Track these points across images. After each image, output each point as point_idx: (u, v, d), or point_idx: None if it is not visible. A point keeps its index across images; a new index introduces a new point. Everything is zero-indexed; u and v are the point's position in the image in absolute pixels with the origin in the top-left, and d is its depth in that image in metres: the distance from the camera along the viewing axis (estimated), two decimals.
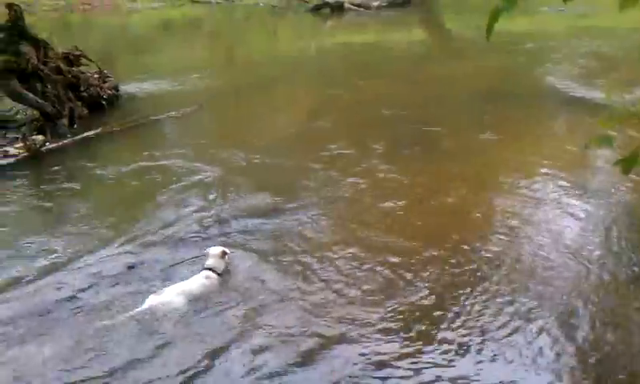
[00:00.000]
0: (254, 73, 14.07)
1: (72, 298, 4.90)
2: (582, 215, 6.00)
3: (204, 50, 18.77)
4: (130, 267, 5.40)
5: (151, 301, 4.72)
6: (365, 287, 4.89)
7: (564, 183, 6.74)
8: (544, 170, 7.11)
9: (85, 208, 6.74)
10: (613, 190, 6.46)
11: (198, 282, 4.99)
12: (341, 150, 8.16)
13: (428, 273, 5.03)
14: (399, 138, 8.59)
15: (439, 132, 8.82)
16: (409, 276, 4.99)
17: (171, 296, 4.77)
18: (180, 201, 6.76)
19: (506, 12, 2.30)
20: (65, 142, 8.88)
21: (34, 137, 8.65)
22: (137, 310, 4.63)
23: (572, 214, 6.03)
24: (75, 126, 9.56)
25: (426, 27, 22.16)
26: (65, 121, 9.50)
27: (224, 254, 5.21)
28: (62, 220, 6.49)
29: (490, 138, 8.45)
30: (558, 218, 6.00)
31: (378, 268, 5.15)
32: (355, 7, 23.57)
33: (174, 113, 10.06)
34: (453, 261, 5.21)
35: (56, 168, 7.93)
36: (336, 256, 5.39)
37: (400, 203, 6.40)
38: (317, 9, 23.75)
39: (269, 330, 4.39)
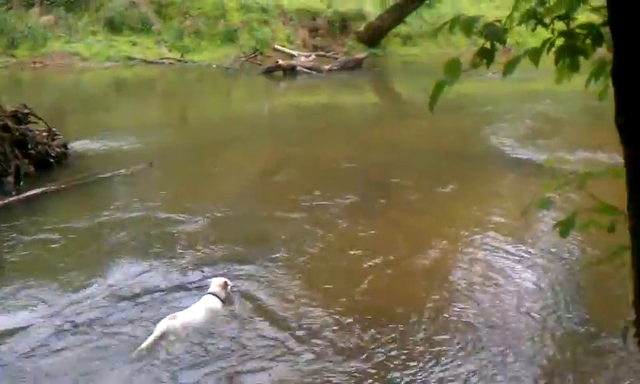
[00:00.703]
0: (207, 132, 14.13)
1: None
2: (527, 272, 6.17)
3: (156, 109, 18.81)
4: None
5: (162, 326, 5.08)
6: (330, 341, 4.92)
7: (509, 243, 6.92)
8: (490, 230, 7.31)
9: (28, 266, 6.63)
10: (555, 249, 6.64)
11: (202, 309, 5.43)
12: (298, 205, 8.27)
13: (385, 331, 5.08)
14: (357, 194, 8.78)
15: (394, 190, 9.02)
16: (364, 336, 5.03)
17: (181, 321, 5.17)
18: (128, 257, 6.73)
19: (450, 85, 2.41)
20: (10, 199, 8.73)
21: None
22: (150, 337, 4.98)
23: (516, 272, 6.20)
24: (22, 183, 9.42)
25: (376, 90, 22.70)
26: (10, 178, 9.35)
27: (226, 284, 5.68)
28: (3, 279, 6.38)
29: (439, 199, 8.64)
30: (502, 275, 6.16)
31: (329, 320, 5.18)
32: (307, 70, 23.98)
33: (123, 171, 10.00)
34: (411, 318, 5.27)
35: None
36: (299, 311, 5.42)
37: (359, 255, 6.63)
38: (269, 71, 24.08)
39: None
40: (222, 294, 5.63)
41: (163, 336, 5.05)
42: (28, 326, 5.36)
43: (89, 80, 24.20)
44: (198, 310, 5.43)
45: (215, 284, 5.68)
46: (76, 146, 11.60)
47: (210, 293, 5.61)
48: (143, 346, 4.96)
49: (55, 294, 5.98)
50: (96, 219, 7.98)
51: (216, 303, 5.57)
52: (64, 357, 4.92)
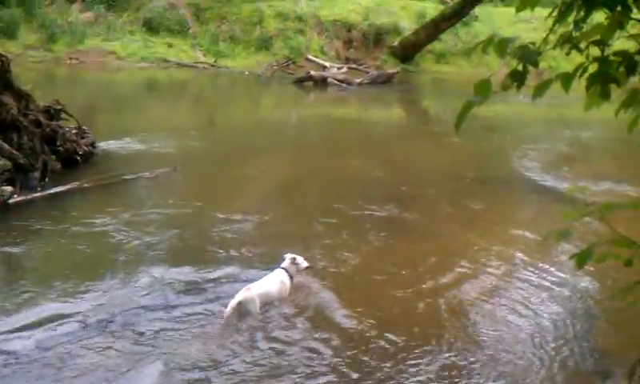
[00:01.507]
0: (234, 139, 14.14)
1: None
2: (543, 302, 6.05)
3: (186, 113, 18.90)
4: None
5: (240, 296, 5.58)
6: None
7: (527, 271, 6.79)
8: (508, 257, 7.19)
9: (45, 264, 6.67)
10: (574, 279, 6.49)
11: (276, 282, 5.96)
12: (318, 216, 8.23)
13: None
14: (378, 210, 8.72)
15: (414, 209, 8.89)
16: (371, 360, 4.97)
17: (257, 292, 5.68)
18: (145, 262, 6.73)
19: (479, 105, 2.35)
20: (34, 195, 8.79)
21: (2, 187, 8.55)
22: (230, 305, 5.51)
23: (532, 301, 6.08)
24: (47, 179, 9.49)
25: (405, 106, 22.59)
26: (37, 174, 9.42)
27: (294, 260, 6.15)
28: (19, 275, 6.43)
29: (460, 222, 8.51)
30: (518, 302, 6.04)
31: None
32: (338, 82, 23.97)
33: (147, 173, 10.03)
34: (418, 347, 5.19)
35: (21, 222, 7.85)
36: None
37: (373, 280, 6.47)
38: (301, 81, 24.11)
39: None
40: (292, 270, 6.10)
41: (240, 304, 5.53)
42: (53, 321, 5.41)
43: (122, 79, 24.47)
44: (272, 282, 5.94)
45: (288, 260, 6.14)
46: (104, 145, 11.67)
47: (281, 267, 6.10)
48: (226, 312, 5.50)
49: (76, 291, 5.99)
50: (116, 219, 8.00)
51: (286, 278, 6.03)
52: (91, 355, 4.95)
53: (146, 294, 6.01)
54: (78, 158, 10.45)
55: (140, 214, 8.28)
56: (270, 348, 5.16)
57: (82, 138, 10.88)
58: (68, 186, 9.17)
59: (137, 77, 24.77)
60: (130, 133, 13.28)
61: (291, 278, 6.08)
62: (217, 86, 24.82)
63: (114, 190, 9.40)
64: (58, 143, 10.21)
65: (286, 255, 6.21)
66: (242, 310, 5.59)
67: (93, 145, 11.12)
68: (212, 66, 26.91)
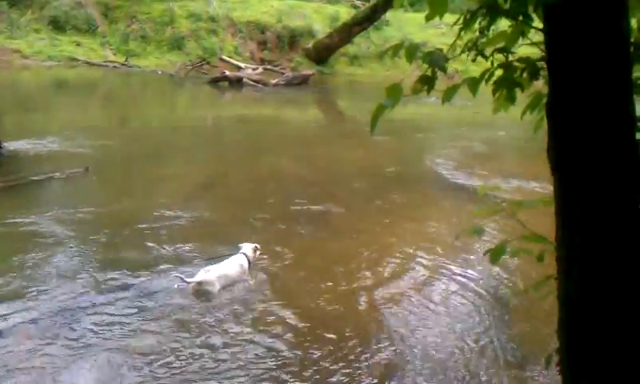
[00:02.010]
0: (149, 139, 13.90)
1: None
2: (459, 297, 6.27)
3: (97, 113, 18.41)
4: None
5: (200, 276, 5.93)
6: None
7: (442, 267, 7.02)
8: (427, 253, 7.40)
9: None
10: (489, 275, 6.77)
11: (235, 265, 6.29)
12: (231, 218, 8.23)
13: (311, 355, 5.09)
14: (287, 217, 8.67)
15: (328, 211, 8.99)
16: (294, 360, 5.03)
17: (217, 273, 6.04)
18: (51, 264, 6.56)
19: (391, 109, 2.44)
20: None
21: None
22: (191, 280, 5.85)
23: (448, 295, 6.30)
24: None
25: (321, 107, 22.82)
26: None
27: (256, 248, 6.56)
28: None
29: (375, 220, 8.69)
30: (435, 298, 6.25)
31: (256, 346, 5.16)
32: (253, 83, 23.95)
33: (57, 174, 9.73)
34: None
35: None
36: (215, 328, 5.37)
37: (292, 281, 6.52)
38: (215, 81, 23.94)
39: None
40: (252, 257, 6.50)
41: (200, 284, 5.89)
42: None
43: (29, 78, 23.55)
44: (231, 265, 6.27)
45: (248, 247, 6.51)
46: (10, 146, 11.24)
47: (242, 253, 6.44)
48: (187, 282, 5.83)
49: None
50: (24, 221, 7.73)
51: (245, 262, 6.39)
52: (28, 357, 4.82)
53: (75, 296, 5.88)
54: None
55: (54, 215, 8.02)
56: (205, 343, 5.18)
57: None
58: None
59: (44, 76, 23.89)
60: (39, 133, 12.83)
61: (249, 263, 6.45)
62: (129, 86, 24.26)
63: (22, 191, 9.07)
64: None
65: (242, 244, 6.58)
66: (200, 290, 5.92)
67: None
68: (123, 65, 26.30)
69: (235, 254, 6.50)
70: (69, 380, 4.59)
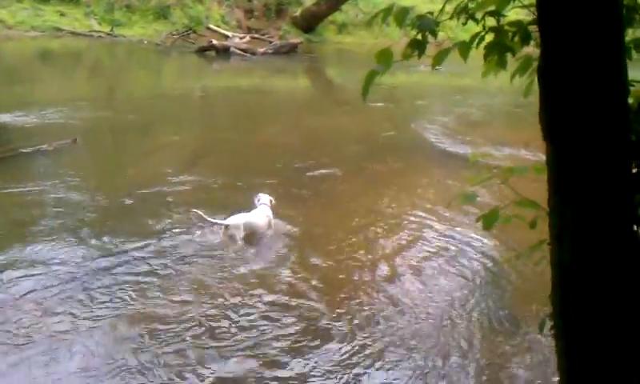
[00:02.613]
0: (135, 111, 13.75)
1: None
2: (451, 264, 6.29)
3: (83, 83, 18.19)
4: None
5: (228, 220, 6.38)
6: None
7: (433, 235, 7.03)
8: (415, 220, 7.42)
9: None
10: (480, 242, 6.79)
11: (262, 216, 6.65)
12: (221, 188, 8.19)
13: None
14: (281, 179, 8.69)
15: (318, 177, 8.99)
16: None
17: (244, 219, 6.44)
18: (74, 231, 6.58)
19: (382, 74, 2.41)
20: None
21: None
22: (219, 221, 6.38)
23: (441, 263, 6.32)
24: None
25: (309, 76, 22.68)
26: None
27: (271, 201, 6.88)
28: None
29: (368, 186, 8.69)
30: (427, 265, 6.27)
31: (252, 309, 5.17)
32: (241, 52, 23.73)
33: (45, 146, 9.64)
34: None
35: None
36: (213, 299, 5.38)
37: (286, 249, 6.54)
38: (202, 50, 23.70)
39: None
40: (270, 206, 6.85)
41: (227, 227, 6.32)
42: None
43: (12, 49, 23.22)
44: (258, 215, 6.64)
45: (267, 198, 6.85)
46: None
47: (263, 204, 6.76)
48: (210, 219, 6.31)
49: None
50: (10, 194, 7.67)
51: (270, 213, 6.76)
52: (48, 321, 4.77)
53: (87, 261, 5.93)
54: None
55: (46, 186, 8.02)
56: (214, 303, 5.25)
57: None
58: None
59: (28, 46, 23.56)
60: (25, 105, 12.69)
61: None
62: (114, 56, 24.00)
63: (8, 163, 8.98)
64: None
65: (259, 195, 6.91)
66: (227, 234, 6.29)
67: None
68: (108, 34, 25.97)
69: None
70: (83, 349, 4.58)
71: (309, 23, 29.07)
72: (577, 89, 1.94)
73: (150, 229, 6.78)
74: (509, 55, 2.62)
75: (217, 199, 7.80)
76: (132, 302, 5.25)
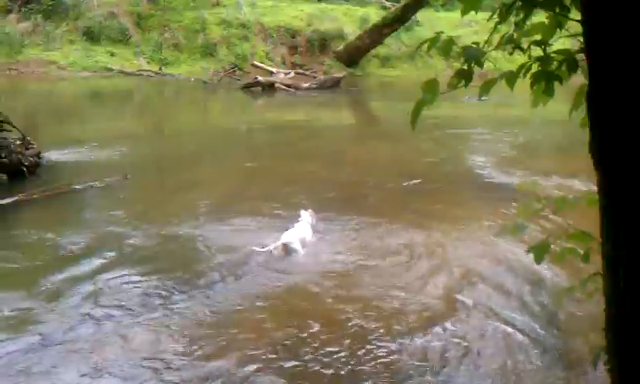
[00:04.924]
0: (183, 146, 14.05)
1: None
2: (501, 297, 6.17)
3: (133, 121, 18.65)
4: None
5: (284, 239, 6.89)
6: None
7: (483, 267, 6.91)
8: (463, 252, 7.29)
9: None
10: (529, 273, 6.64)
11: (307, 230, 7.32)
12: (271, 220, 8.23)
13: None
14: (328, 211, 8.67)
15: (364, 210, 8.92)
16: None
17: (297, 236, 7.01)
18: (100, 271, 6.62)
19: (430, 104, 2.41)
20: None
21: None
22: (274, 245, 6.83)
23: (490, 295, 6.20)
24: None
25: (353, 110, 22.79)
26: None
27: (312, 214, 7.61)
28: None
29: (413, 222, 8.60)
30: (475, 298, 6.15)
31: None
32: (285, 87, 24.04)
33: (97, 183, 9.87)
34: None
35: None
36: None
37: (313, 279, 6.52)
38: (248, 87, 24.09)
39: None
40: (313, 222, 7.54)
41: (285, 245, 6.84)
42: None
43: (65, 89, 23.99)
44: (303, 230, 7.24)
45: (307, 214, 7.50)
46: (50, 156, 11.44)
47: (306, 221, 7.40)
48: (270, 247, 6.79)
49: (24, 306, 5.84)
50: (63, 231, 7.84)
51: (310, 228, 7.39)
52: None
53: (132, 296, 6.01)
54: (24, 170, 10.20)
55: (97, 222, 8.18)
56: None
57: (27, 148, 10.64)
58: (15, 198, 8.94)
59: (80, 86, 24.32)
60: (77, 143, 13.06)
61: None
62: (163, 94, 24.57)
63: (62, 200, 9.22)
64: (3, 155, 9.97)
65: (301, 212, 7.54)
66: (287, 250, 6.84)
67: (38, 155, 10.88)
68: (156, 73, 26.66)
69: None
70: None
71: (352, 58, 29.32)
72: (627, 115, 1.91)
73: (204, 259, 6.91)
74: (557, 84, 2.60)
75: (263, 227, 7.93)
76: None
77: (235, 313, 5.73)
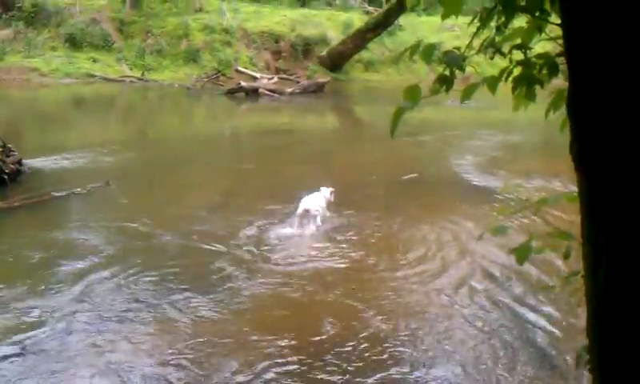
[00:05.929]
0: (167, 152, 14.01)
1: None
2: (484, 297, 6.21)
3: (116, 127, 18.56)
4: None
5: (304, 205, 7.62)
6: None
7: (464, 268, 6.95)
8: (445, 254, 7.34)
9: None
10: (512, 274, 6.69)
11: (322, 199, 8.03)
12: (254, 225, 8.22)
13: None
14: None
15: (348, 213, 8.95)
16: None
17: (316, 204, 7.80)
18: (82, 276, 6.58)
19: (410, 111, 2.42)
20: None
21: None
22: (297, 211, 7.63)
23: (475, 294, 6.24)
24: None
25: (337, 114, 22.85)
26: None
27: (332, 192, 8.24)
28: None
29: (395, 222, 8.62)
30: (459, 297, 6.19)
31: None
32: (269, 92, 24.03)
33: (79, 189, 9.81)
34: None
35: None
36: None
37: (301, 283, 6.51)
38: (232, 92, 24.05)
39: None
40: (328, 198, 8.15)
41: (307, 211, 7.54)
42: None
43: (47, 96, 23.83)
44: (319, 199, 7.95)
45: (326, 189, 8.15)
46: (31, 163, 11.36)
47: (322, 194, 8.04)
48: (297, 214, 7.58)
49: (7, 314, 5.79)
50: (47, 238, 7.79)
51: (324, 202, 8.09)
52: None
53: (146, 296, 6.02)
54: (5, 177, 10.09)
55: (81, 229, 8.13)
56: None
57: (8, 156, 10.54)
58: None
59: (62, 93, 24.17)
60: (59, 149, 12.98)
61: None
62: (146, 100, 24.48)
63: (43, 208, 9.15)
64: None
65: (323, 187, 8.21)
66: (308, 216, 7.45)
67: (19, 163, 10.79)
68: (139, 79, 26.54)
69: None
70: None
71: (335, 62, 29.39)
72: (607, 115, 1.93)
73: (198, 258, 7.02)
74: (538, 88, 2.62)
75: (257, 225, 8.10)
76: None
77: (239, 312, 5.72)
